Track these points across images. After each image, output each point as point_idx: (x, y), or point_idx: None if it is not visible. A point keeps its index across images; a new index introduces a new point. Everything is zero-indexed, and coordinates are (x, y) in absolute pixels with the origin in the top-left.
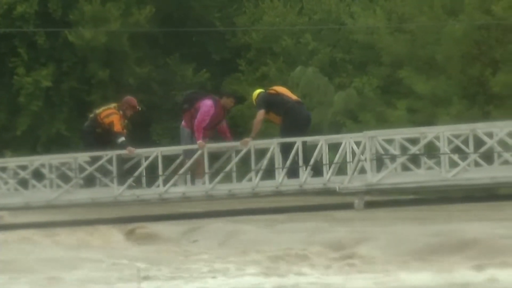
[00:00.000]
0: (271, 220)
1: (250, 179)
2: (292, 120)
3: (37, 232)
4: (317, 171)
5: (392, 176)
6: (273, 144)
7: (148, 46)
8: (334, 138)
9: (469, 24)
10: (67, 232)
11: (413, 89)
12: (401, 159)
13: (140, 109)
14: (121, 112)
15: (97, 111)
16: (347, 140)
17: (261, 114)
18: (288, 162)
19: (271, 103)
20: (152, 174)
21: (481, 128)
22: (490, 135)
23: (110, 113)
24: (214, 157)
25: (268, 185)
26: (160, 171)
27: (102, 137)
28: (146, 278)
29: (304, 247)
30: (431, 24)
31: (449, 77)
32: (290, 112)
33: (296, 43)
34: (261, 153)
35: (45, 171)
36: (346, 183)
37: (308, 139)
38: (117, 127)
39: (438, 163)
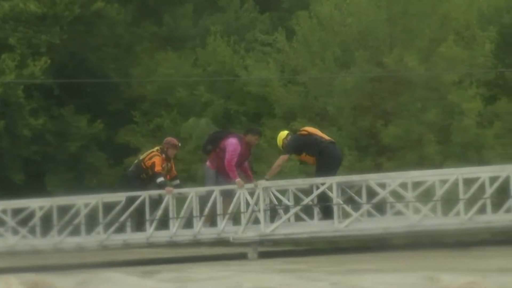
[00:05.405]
0: (155, 271)
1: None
2: (327, 159)
3: None
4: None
5: (286, 227)
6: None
7: (43, 97)
8: (228, 188)
9: (360, 76)
10: None
11: None
12: (294, 210)
13: (180, 145)
14: (163, 155)
15: (141, 156)
16: (241, 191)
17: (284, 158)
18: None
19: (304, 144)
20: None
21: (373, 179)
22: (382, 186)
23: (152, 156)
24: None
25: (163, 235)
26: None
27: (146, 182)
28: None
29: None
30: (323, 76)
31: (340, 129)
32: (325, 151)
33: (191, 94)
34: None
35: None
36: (240, 233)
37: (202, 189)
38: (158, 167)
39: None
